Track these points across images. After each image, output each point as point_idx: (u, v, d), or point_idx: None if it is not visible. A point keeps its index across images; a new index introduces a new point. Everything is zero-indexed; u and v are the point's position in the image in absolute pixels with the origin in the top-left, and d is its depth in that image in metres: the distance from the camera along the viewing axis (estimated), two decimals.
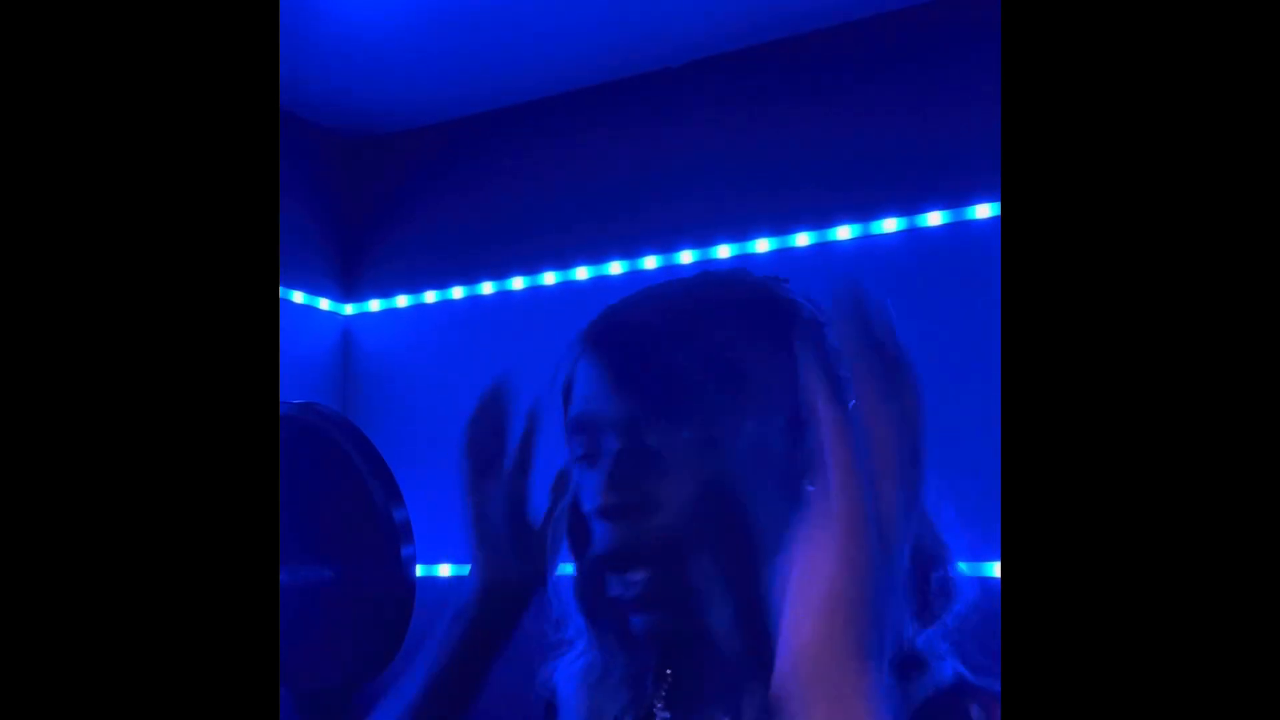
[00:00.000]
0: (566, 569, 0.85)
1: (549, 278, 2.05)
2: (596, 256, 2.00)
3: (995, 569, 1.54)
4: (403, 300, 2.21)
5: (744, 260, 1.87)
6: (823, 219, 1.82)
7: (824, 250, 1.82)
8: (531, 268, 2.07)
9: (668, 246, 1.94)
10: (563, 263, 2.04)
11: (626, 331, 0.78)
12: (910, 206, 1.75)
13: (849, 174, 1.81)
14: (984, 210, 1.70)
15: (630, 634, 0.73)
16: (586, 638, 0.80)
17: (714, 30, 1.87)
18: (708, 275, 0.82)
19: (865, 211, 1.79)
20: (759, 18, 1.83)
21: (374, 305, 2.25)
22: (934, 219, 1.74)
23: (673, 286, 0.80)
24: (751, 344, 0.73)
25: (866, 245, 1.79)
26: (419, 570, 1.83)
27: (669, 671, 0.77)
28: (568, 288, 2.03)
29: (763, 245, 1.86)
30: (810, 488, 0.59)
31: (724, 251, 1.89)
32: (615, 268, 1.98)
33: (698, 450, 0.70)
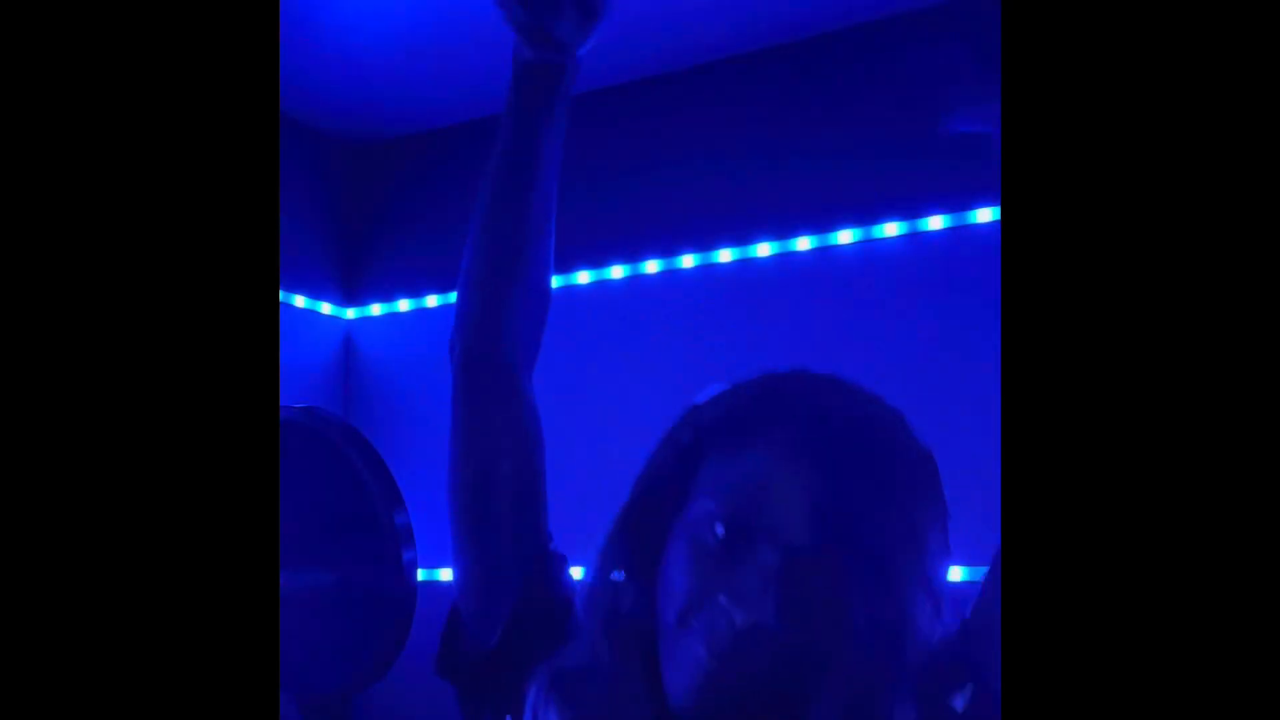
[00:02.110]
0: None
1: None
2: (598, 261, 2.00)
3: None
4: (404, 304, 2.22)
5: (746, 265, 1.87)
6: (824, 223, 1.82)
7: (825, 254, 1.82)
8: None
9: (669, 251, 1.94)
10: (563, 266, 2.04)
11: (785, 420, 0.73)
12: (911, 211, 1.75)
13: (850, 178, 1.81)
14: (985, 215, 1.70)
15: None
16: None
17: (716, 35, 1.87)
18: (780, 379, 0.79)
19: (866, 216, 1.79)
20: (760, 23, 1.83)
21: (375, 309, 2.25)
22: (935, 223, 1.74)
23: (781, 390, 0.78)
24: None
25: (867, 249, 1.79)
26: (420, 574, 1.84)
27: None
28: (569, 291, 2.03)
29: (764, 249, 1.86)
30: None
31: (725, 256, 1.89)
32: (616, 271, 1.98)
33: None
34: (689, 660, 0.69)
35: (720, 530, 0.70)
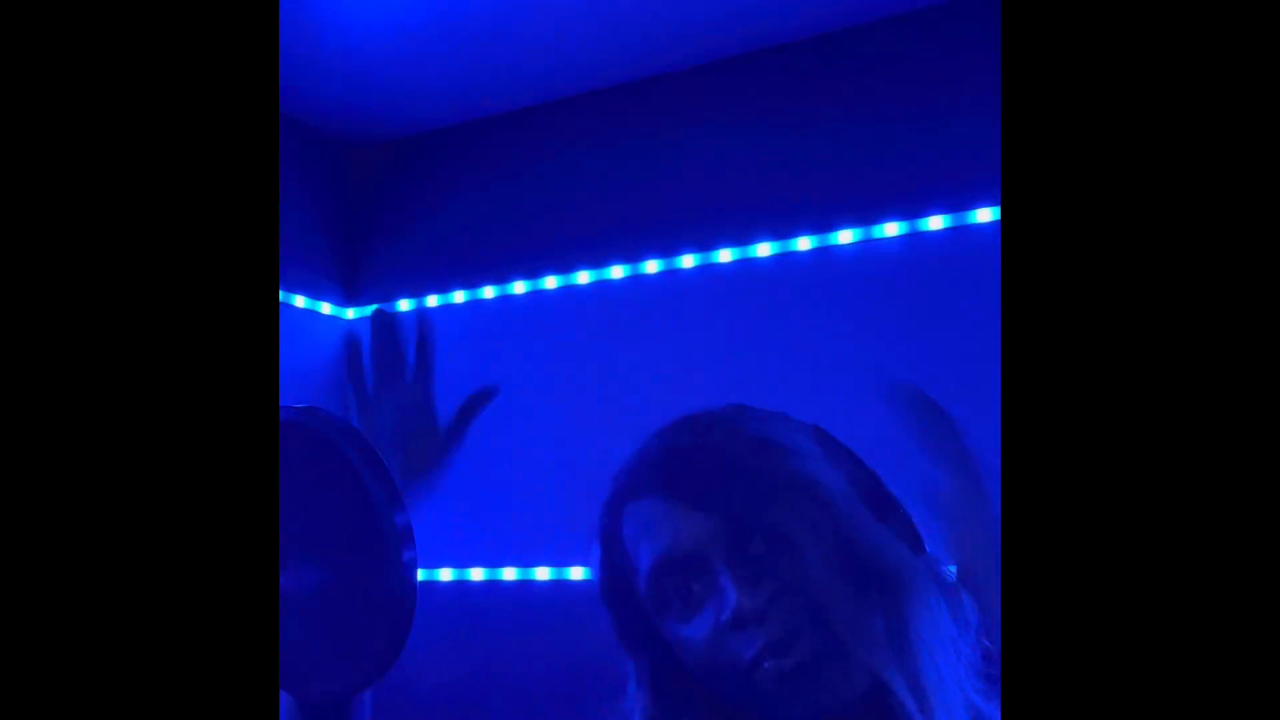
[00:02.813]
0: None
1: (550, 282, 2.05)
2: (598, 261, 2.01)
3: None
4: (404, 304, 2.22)
5: (746, 264, 1.88)
6: (824, 223, 1.82)
7: (825, 254, 1.82)
8: (533, 272, 2.07)
9: (669, 250, 1.94)
10: (564, 267, 2.04)
11: (656, 472, 0.82)
12: (911, 210, 1.76)
13: (850, 178, 1.81)
14: (985, 215, 1.71)
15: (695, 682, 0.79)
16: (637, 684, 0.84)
17: (715, 36, 1.87)
18: (665, 426, 0.88)
19: (866, 215, 1.79)
20: (760, 23, 1.83)
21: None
22: (935, 223, 1.74)
23: (650, 439, 0.87)
24: (761, 424, 0.83)
25: (867, 249, 1.79)
26: (420, 575, 1.83)
27: None
28: (569, 291, 2.03)
29: (764, 249, 1.86)
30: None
31: (725, 256, 1.89)
32: (617, 271, 1.98)
33: (794, 515, 0.76)
34: (764, 680, 0.75)
35: (677, 602, 0.79)
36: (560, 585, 1.92)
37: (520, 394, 2.04)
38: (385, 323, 0.97)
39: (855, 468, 0.80)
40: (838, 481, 0.77)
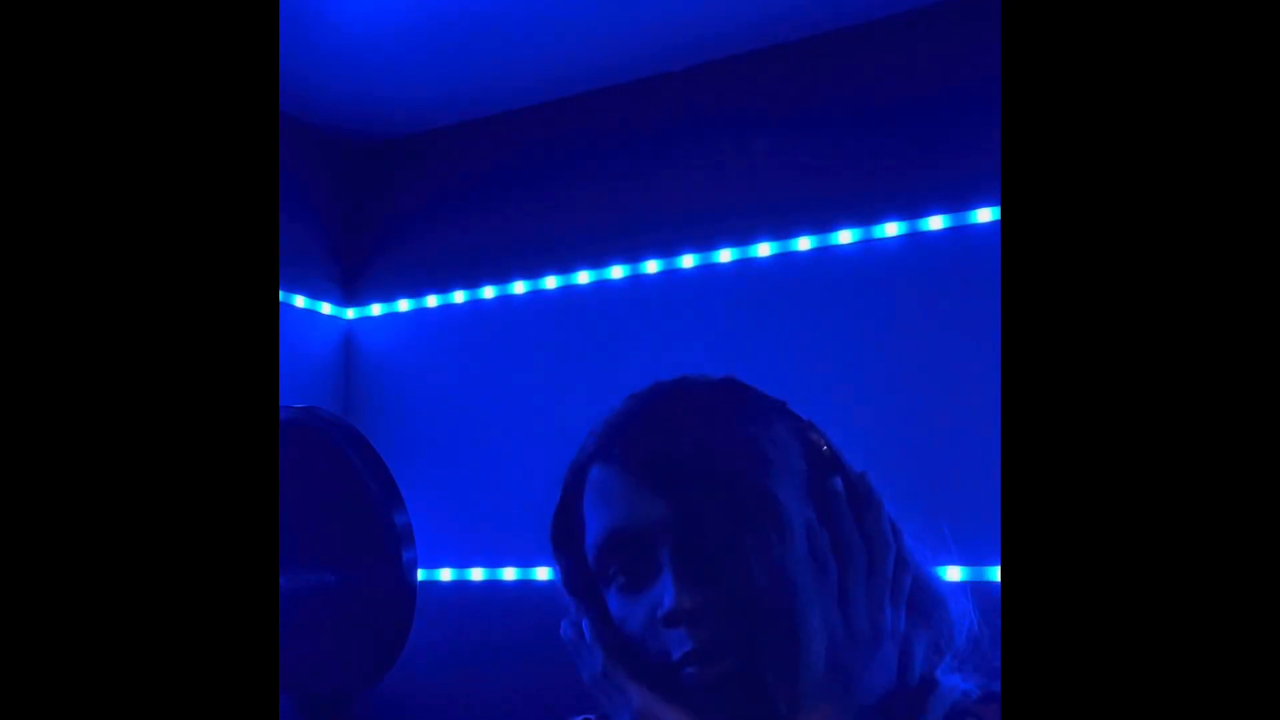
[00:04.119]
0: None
1: (550, 282, 2.05)
2: (598, 261, 2.01)
3: (996, 573, 1.54)
4: (404, 304, 2.22)
5: (746, 264, 1.88)
6: (824, 223, 1.82)
7: (825, 254, 1.82)
8: (533, 272, 2.07)
9: (669, 251, 1.94)
10: (564, 267, 2.04)
11: (628, 443, 0.81)
12: (911, 210, 1.76)
13: (850, 178, 1.81)
14: (985, 215, 1.71)
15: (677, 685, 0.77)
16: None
17: (716, 35, 1.87)
18: (658, 385, 0.88)
19: (866, 215, 1.79)
20: (760, 23, 1.83)
21: (375, 309, 2.25)
22: (935, 223, 1.74)
23: (635, 400, 0.86)
24: (751, 422, 0.81)
25: (867, 249, 1.79)
26: (420, 574, 1.84)
27: None
28: (569, 292, 2.03)
29: (764, 249, 1.86)
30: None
31: (725, 256, 1.89)
32: (616, 272, 1.98)
33: (749, 531, 0.74)
34: (688, 683, 0.74)
35: (620, 577, 0.78)
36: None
37: (520, 394, 2.04)
38: None
39: (842, 471, 0.79)
40: (807, 511, 0.76)
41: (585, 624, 0.81)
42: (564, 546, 0.85)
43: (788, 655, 0.72)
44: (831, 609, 0.73)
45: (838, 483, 0.78)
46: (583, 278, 2.02)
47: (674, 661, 0.74)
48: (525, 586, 1.99)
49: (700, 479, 0.75)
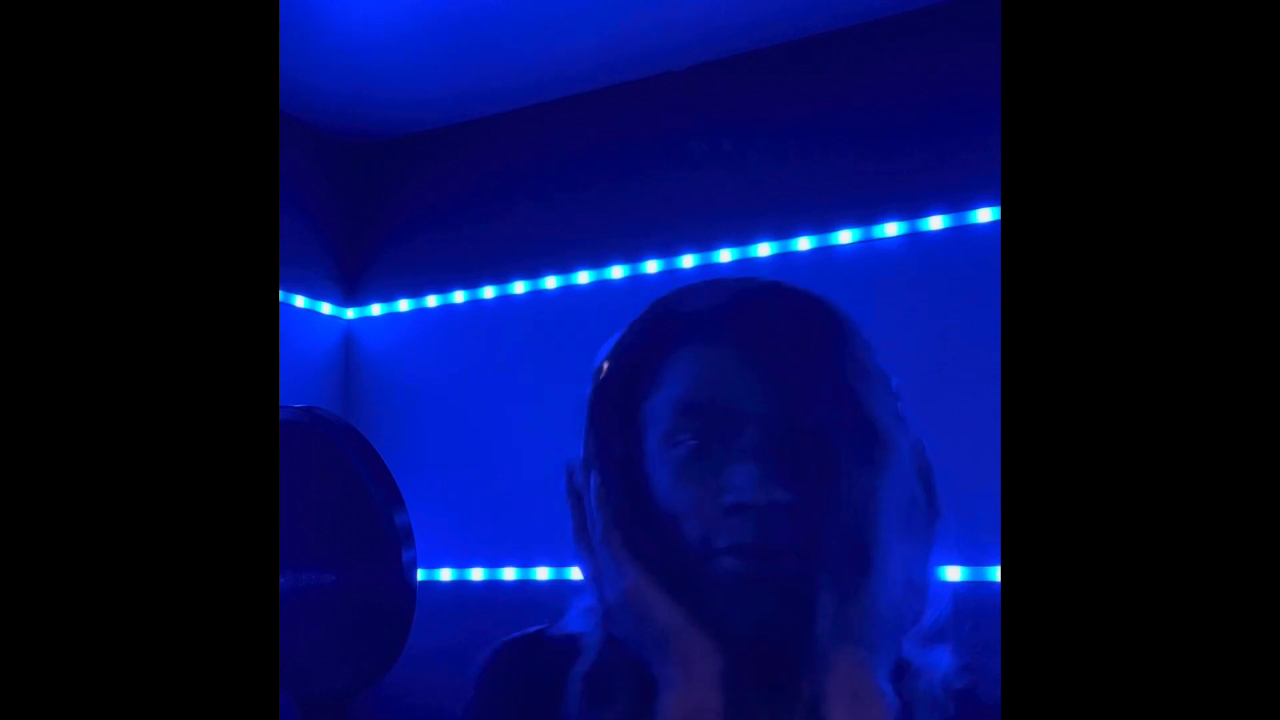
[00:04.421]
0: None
1: (550, 282, 2.05)
2: (598, 261, 2.01)
3: (996, 573, 1.54)
4: (404, 304, 2.22)
5: (746, 265, 1.88)
6: (824, 223, 1.82)
7: (825, 254, 1.82)
8: (533, 272, 2.07)
9: (669, 251, 1.94)
10: (564, 267, 2.04)
11: (742, 319, 0.74)
12: (911, 210, 1.76)
13: (850, 178, 1.81)
14: (985, 214, 1.71)
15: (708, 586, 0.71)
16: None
17: (717, 35, 1.87)
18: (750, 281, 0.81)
19: (866, 215, 1.79)
20: (762, 22, 1.83)
21: (375, 309, 2.25)
22: (935, 223, 1.74)
23: (728, 285, 0.79)
24: (855, 347, 0.78)
25: (867, 249, 1.79)
26: (420, 574, 1.84)
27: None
28: (569, 292, 2.03)
29: (764, 249, 1.86)
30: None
31: (725, 256, 1.89)
32: (616, 272, 1.98)
33: (854, 450, 0.70)
34: (722, 580, 0.69)
35: (689, 440, 0.71)
36: (560, 585, 1.92)
37: (520, 394, 2.05)
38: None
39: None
40: (909, 453, 0.72)
41: (593, 479, 0.74)
42: (606, 406, 0.77)
43: (855, 585, 0.67)
44: (910, 555, 0.70)
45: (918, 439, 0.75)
46: (583, 278, 2.02)
47: (714, 548, 0.69)
48: (525, 586, 1.99)
49: (810, 385, 0.70)
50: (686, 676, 0.68)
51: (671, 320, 0.78)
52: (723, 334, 0.74)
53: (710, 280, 0.80)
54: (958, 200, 1.72)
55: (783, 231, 1.84)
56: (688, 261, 1.92)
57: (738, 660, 0.70)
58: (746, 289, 0.77)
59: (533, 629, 0.85)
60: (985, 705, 0.72)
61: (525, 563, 2.00)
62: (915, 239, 1.75)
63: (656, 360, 0.76)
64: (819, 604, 0.68)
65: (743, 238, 1.88)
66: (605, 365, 0.81)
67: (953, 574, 1.35)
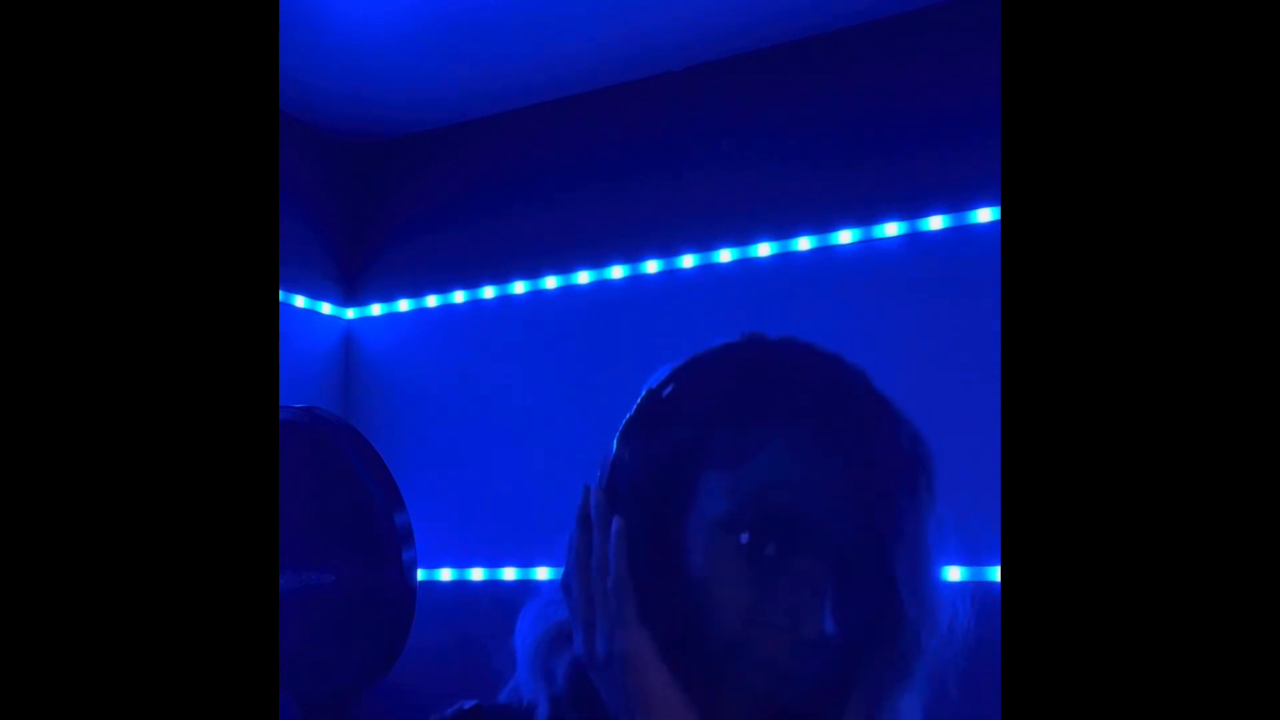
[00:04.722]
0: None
1: (550, 282, 2.05)
2: (598, 261, 2.01)
3: (996, 573, 1.54)
4: (404, 304, 2.22)
5: (747, 265, 1.88)
6: (824, 223, 1.82)
7: (825, 254, 1.82)
8: (533, 272, 2.07)
9: (669, 251, 1.94)
10: (564, 267, 2.04)
11: (819, 405, 0.72)
12: (911, 210, 1.76)
13: (850, 178, 1.81)
14: (985, 214, 1.71)
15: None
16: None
17: (717, 35, 1.87)
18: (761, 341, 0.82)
19: (866, 215, 1.79)
20: (762, 22, 1.83)
21: (375, 309, 2.25)
22: (935, 223, 1.74)
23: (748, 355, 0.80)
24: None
25: (867, 249, 1.79)
26: (420, 574, 1.84)
27: None
28: (569, 291, 2.03)
29: (764, 249, 1.86)
30: None
31: (725, 256, 1.89)
32: (616, 272, 1.98)
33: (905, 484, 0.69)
34: (742, 688, 0.67)
35: (745, 537, 0.67)
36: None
37: (520, 394, 2.05)
38: None
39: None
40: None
41: (616, 523, 0.71)
42: (669, 452, 0.72)
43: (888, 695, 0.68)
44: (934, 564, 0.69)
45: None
46: (583, 278, 2.02)
47: (744, 654, 0.67)
48: (525, 586, 1.99)
49: (872, 495, 0.68)
50: None
51: (762, 383, 0.76)
52: (802, 422, 0.70)
53: (789, 340, 0.81)
54: (958, 200, 1.72)
55: (783, 231, 1.84)
56: (688, 261, 1.92)
57: None
58: (817, 360, 0.79)
59: (469, 704, 0.82)
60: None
61: (525, 563, 2.00)
62: (915, 239, 1.75)
63: (737, 431, 0.71)
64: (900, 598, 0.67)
65: (743, 238, 1.88)
66: (670, 386, 0.77)
67: (953, 574, 1.35)
